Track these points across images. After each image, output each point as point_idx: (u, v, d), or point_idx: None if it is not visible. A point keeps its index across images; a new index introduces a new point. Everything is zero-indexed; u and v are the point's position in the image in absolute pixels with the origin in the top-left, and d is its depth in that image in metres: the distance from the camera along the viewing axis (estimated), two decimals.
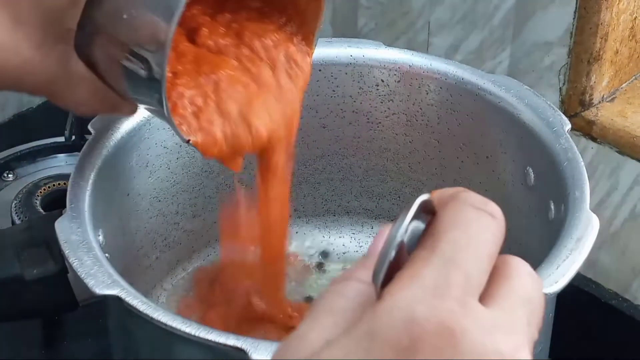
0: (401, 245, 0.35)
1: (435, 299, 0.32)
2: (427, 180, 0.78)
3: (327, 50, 0.76)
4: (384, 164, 0.80)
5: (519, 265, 0.37)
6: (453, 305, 0.32)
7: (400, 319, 0.32)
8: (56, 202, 0.86)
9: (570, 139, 0.67)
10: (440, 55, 0.80)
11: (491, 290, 0.35)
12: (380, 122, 0.78)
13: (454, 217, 0.36)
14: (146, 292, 0.74)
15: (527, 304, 0.36)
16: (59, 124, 0.98)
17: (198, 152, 0.59)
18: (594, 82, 0.83)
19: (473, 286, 0.34)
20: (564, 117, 0.69)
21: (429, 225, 0.36)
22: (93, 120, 0.69)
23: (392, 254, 0.35)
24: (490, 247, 0.36)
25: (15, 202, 0.88)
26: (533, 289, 0.36)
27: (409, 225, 0.35)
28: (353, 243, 0.84)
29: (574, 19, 0.81)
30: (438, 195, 0.38)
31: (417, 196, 0.36)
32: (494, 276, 0.36)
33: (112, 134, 0.69)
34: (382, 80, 0.76)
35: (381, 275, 0.34)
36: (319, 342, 0.34)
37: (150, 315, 0.56)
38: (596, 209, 0.66)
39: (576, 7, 0.81)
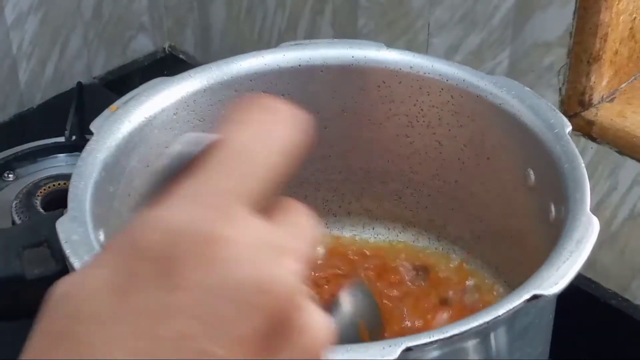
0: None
1: (195, 208, 0.30)
2: (428, 181, 0.78)
3: (329, 51, 0.76)
4: (385, 165, 0.79)
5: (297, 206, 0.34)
6: (214, 213, 0.30)
7: (159, 230, 0.30)
8: (56, 202, 0.86)
9: (571, 141, 0.67)
10: (439, 56, 0.80)
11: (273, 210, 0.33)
12: (381, 123, 0.77)
13: (234, 118, 0.32)
14: None
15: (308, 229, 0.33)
16: (59, 124, 0.98)
17: None
18: (594, 82, 0.83)
19: (242, 193, 0.31)
20: (564, 118, 0.69)
21: None
22: (94, 120, 0.69)
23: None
24: (275, 151, 0.32)
25: (15, 202, 0.88)
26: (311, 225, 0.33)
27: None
28: None
29: (573, 19, 0.81)
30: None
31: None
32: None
33: (113, 134, 0.69)
34: (384, 82, 0.76)
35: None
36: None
37: None
38: (596, 208, 0.66)
39: (575, 7, 0.81)
